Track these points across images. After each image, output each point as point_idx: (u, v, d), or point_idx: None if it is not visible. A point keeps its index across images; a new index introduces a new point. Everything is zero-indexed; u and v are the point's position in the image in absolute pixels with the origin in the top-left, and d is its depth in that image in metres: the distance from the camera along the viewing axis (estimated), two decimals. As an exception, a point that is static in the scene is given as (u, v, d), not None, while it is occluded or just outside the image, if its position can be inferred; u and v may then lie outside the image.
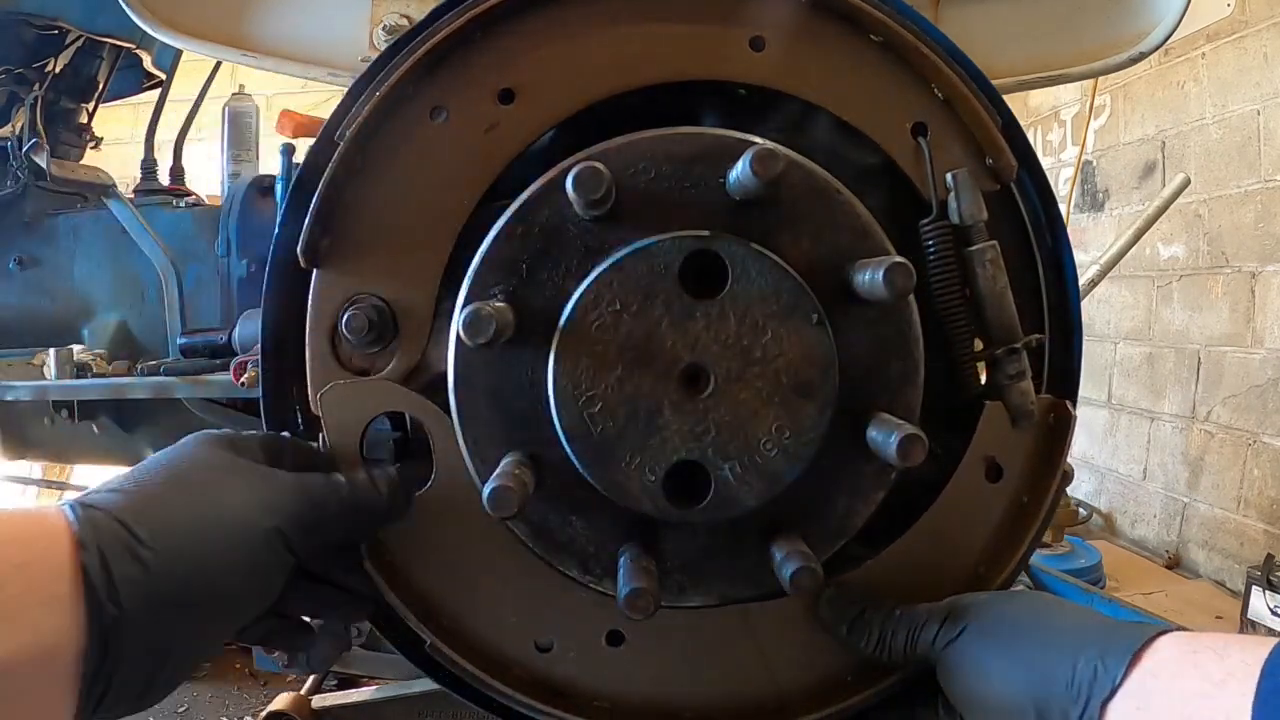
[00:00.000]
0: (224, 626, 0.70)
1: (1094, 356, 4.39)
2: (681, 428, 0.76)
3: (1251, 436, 3.50)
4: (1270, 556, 3.02)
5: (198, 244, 2.11)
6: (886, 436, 0.75)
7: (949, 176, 0.86)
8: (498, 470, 0.76)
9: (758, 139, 0.80)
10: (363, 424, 0.84)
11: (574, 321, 0.76)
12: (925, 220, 0.87)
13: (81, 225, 2.16)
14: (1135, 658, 0.64)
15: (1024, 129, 0.90)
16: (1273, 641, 0.59)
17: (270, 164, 2.20)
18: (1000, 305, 0.86)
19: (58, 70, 2.22)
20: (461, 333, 0.72)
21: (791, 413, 0.77)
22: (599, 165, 0.73)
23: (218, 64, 2.45)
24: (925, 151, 0.87)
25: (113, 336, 2.11)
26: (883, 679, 0.86)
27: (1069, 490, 0.94)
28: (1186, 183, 2.36)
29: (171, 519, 0.65)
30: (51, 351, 1.89)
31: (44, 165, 2.09)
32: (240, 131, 2.48)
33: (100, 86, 2.39)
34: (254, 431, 0.82)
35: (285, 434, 0.85)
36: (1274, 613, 2.88)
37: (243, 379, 1.44)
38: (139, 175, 2.45)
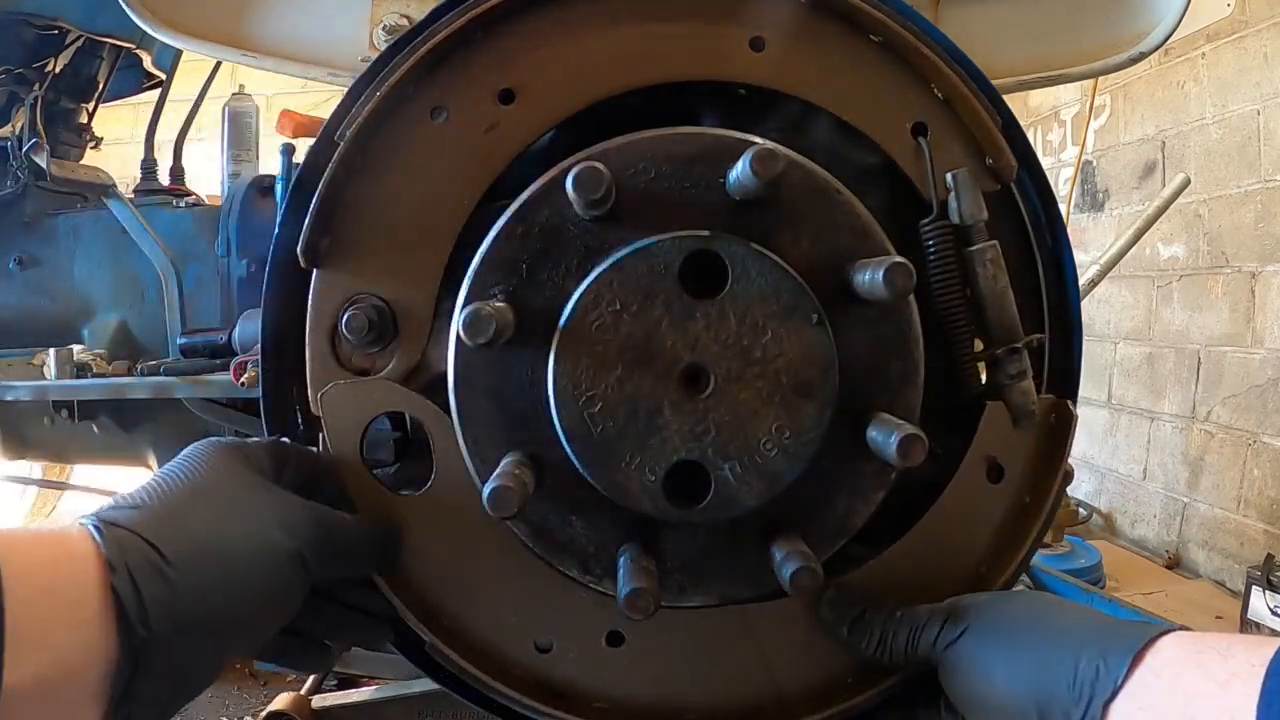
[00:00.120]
0: (244, 644, 0.70)
1: (1094, 356, 4.39)
2: (681, 428, 0.76)
3: (1251, 436, 3.49)
4: (1270, 556, 3.02)
5: (198, 244, 2.11)
6: (886, 436, 0.75)
7: (949, 176, 0.86)
8: (498, 470, 0.76)
9: (758, 139, 0.80)
10: (363, 424, 0.84)
11: (574, 321, 0.76)
12: (925, 220, 0.87)
13: (81, 225, 2.16)
14: (1138, 657, 0.64)
15: (1024, 129, 0.90)
16: (1277, 642, 0.59)
17: (270, 164, 2.20)
18: (1001, 305, 0.86)
19: (58, 70, 2.22)
20: (461, 333, 0.72)
21: (791, 413, 0.77)
22: (599, 165, 0.73)
23: (218, 64, 2.45)
24: (925, 151, 0.87)
25: (113, 336, 2.11)
26: (884, 680, 0.86)
27: (1069, 490, 0.94)
28: (1186, 183, 2.36)
29: (196, 538, 0.65)
30: (51, 351, 1.89)
31: (44, 165, 2.08)
32: (240, 131, 2.48)
33: (100, 86, 2.38)
34: (259, 439, 0.83)
35: (286, 439, 0.85)
36: (1274, 613, 2.88)
37: (243, 379, 1.44)
38: (139, 175, 2.44)
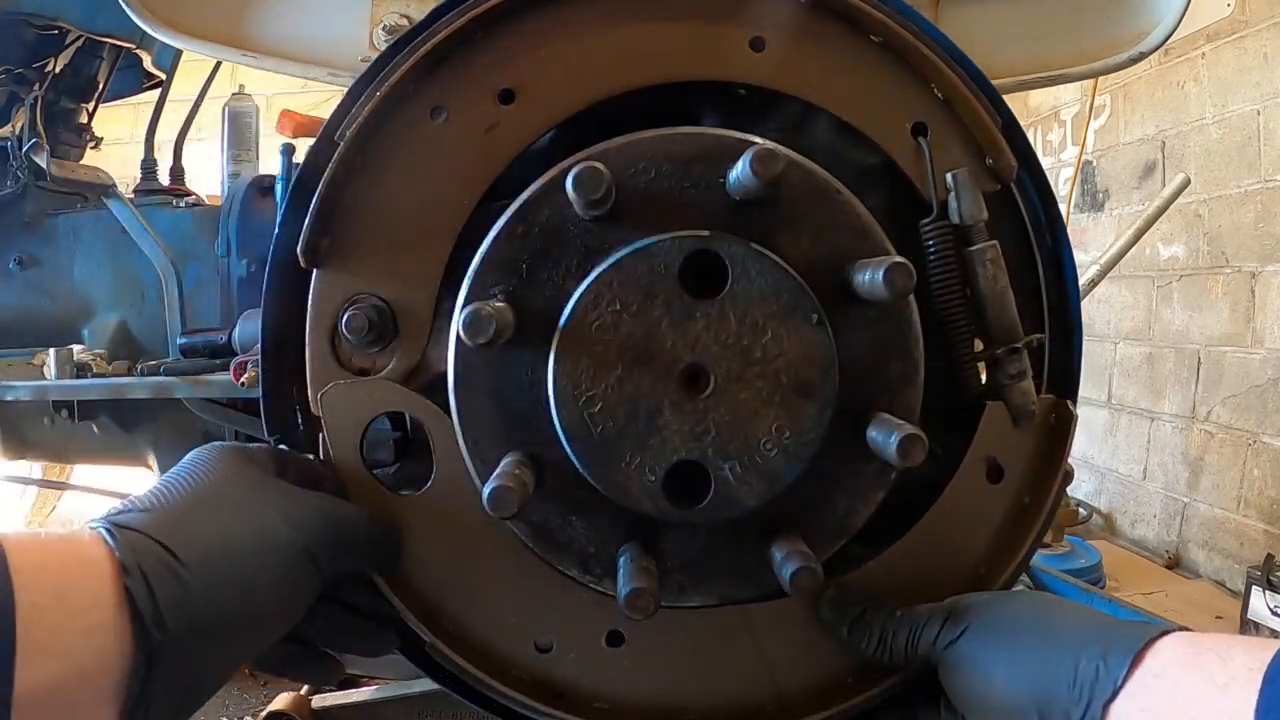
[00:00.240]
0: (258, 643, 0.70)
1: (1094, 356, 4.39)
2: (681, 428, 0.76)
3: (1251, 436, 3.49)
4: (1270, 556, 3.02)
5: (198, 244, 2.10)
6: (886, 436, 0.75)
7: (949, 177, 0.86)
8: (498, 470, 0.76)
9: (758, 139, 0.80)
10: (363, 424, 0.84)
11: (574, 321, 0.76)
12: (925, 220, 0.87)
13: (81, 225, 2.16)
14: (1137, 658, 0.64)
15: (1024, 129, 0.90)
16: (1276, 644, 0.59)
17: (270, 164, 2.19)
18: (1001, 305, 0.86)
19: (58, 70, 2.22)
20: (461, 333, 0.72)
21: (791, 413, 0.77)
22: (599, 165, 0.73)
23: (218, 64, 2.45)
24: (925, 152, 0.87)
25: (113, 336, 2.11)
26: (884, 680, 0.86)
27: (1069, 490, 0.94)
28: (1186, 183, 2.36)
29: (207, 539, 0.65)
30: (51, 351, 1.89)
31: (44, 165, 2.08)
32: (240, 131, 2.48)
33: (100, 86, 2.38)
34: (260, 444, 0.83)
35: (284, 447, 0.86)
36: (1274, 613, 2.88)
37: (243, 379, 1.44)
38: (139, 175, 2.44)
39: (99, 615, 0.57)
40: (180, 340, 1.84)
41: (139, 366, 1.89)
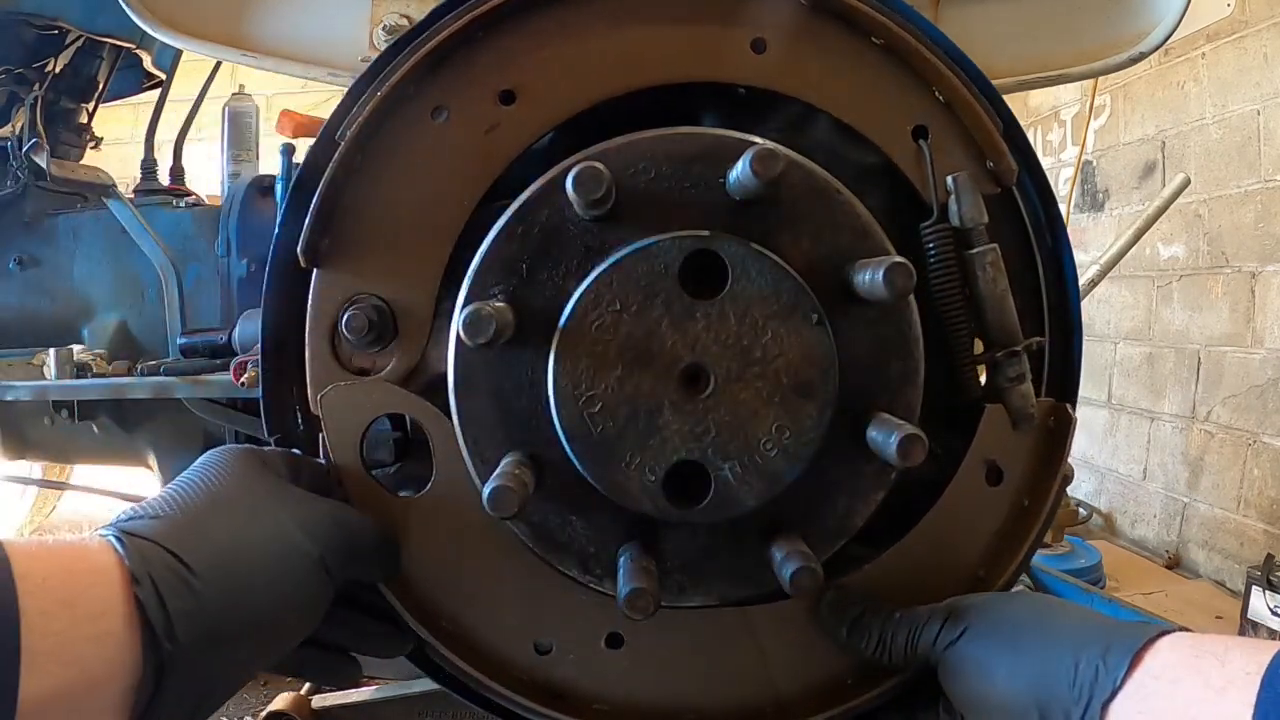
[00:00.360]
0: (271, 653, 0.70)
1: (1094, 356, 4.39)
2: (681, 428, 0.76)
3: (1251, 436, 3.49)
4: (1270, 556, 3.02)
5: (198, 244, 2.10)
6: (887, 436, 0.75)
7: (949, 179, 0.86)
8: (497, 470, 0.76)
9: (758, 139, 0.80)
10: (363, 426, 0.84)
11: (574, 321, 0.76)
12: (926, 223, 0.87)
13: (81, 225, 2.16)
14: (1136, 658, 0.64)
15: (1024, 129, 0.90)
16: (1274, 647, 0.59)
17: (270, 164, 2.19)
18: (1001, 308, 0.86)
19: (58, 70, 2.22)
20: (461, 333, 0.72)
21: (791, 413, 0.77)
22: (599, 165, 0.73)
23: (218, 64, 2.45)
24: (926, 154, 0.87)
25: (113, 336, 2.11)
26: (883, 681, 0.86)
27: (1069, 490, 0.94)
28: (1186, 183, 2.36)
29: (219, 547, 0.64)
30: (51, 351, 1.89)
31: (44, 165, 2.08)
32: (240, 131, 2.48)
33: (100, 86, 2.38)
34: (275, 448, 0.82)
35: (297, 451, 0.85)
36: (1274, 613, 2.88)
37: (243, 379, 1.44)
38: (139, 175, 2.44)
39: (108, 624, 0.56)
40: (180, 340, 1.84)
41: (139, 366, 1.89)
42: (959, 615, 0.77)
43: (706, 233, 0.77)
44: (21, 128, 2.15)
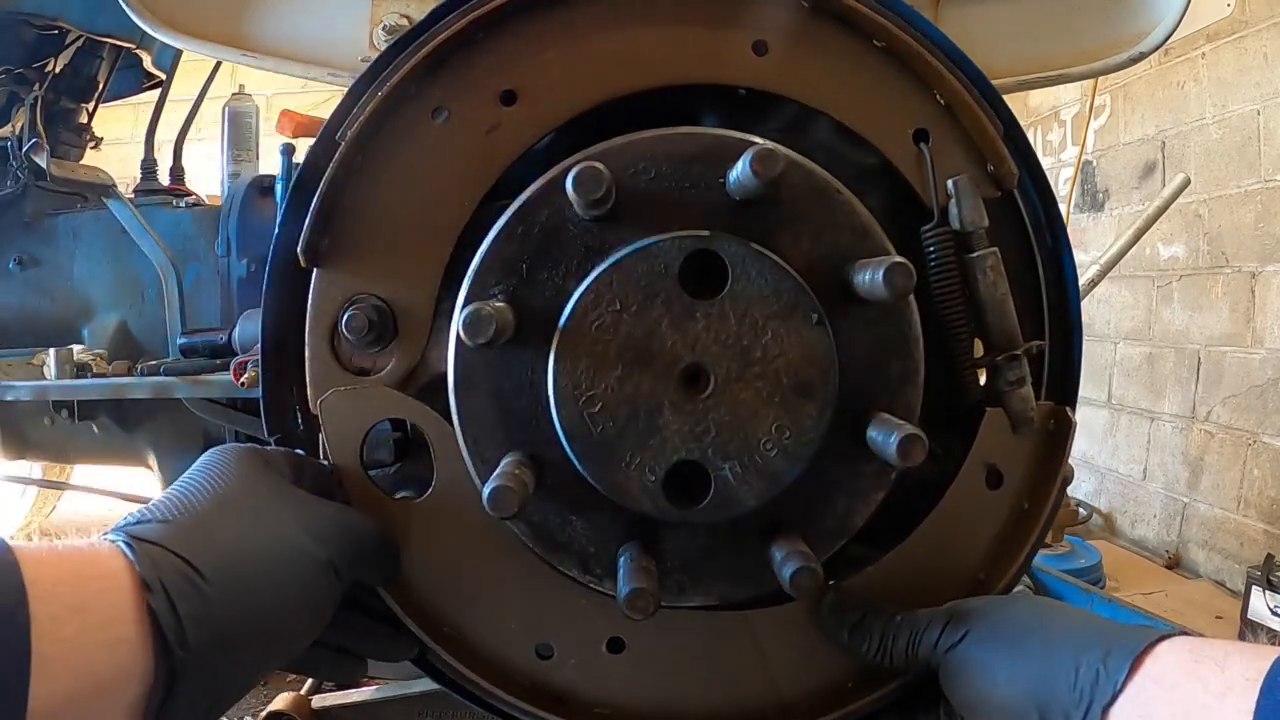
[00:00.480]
0: (281, 655, 0.70)
1: (1094, 356, 4.39)
2: (681, 428, 0.76)
3: (1251, 436, 3.49)
4: (1270, 556, 3.02)
5: (198, 244, 2.10)
6: (887, 436, 0.75)
7: (950, 183, 0.86)
8: (497, 470, 0.76)
9: (757, 139, 0.80)
10: (363, 430, 0.84)
11: (574, 321, 0.76)
12: (926, 226, 0.87)
13: (81, 225, 2.16)
14: (1137, 662, 0.64)
15: (1024, 129, 0.90)
16: (1273, 653, 0.59)
17: (270, 164, 2.19)
18: (1001, 312, 0.86)
19: (58, 70, 2.22)
20: (461, 333, 0.72)
21: (791, 413, 0.77)
22: (599, 165, 0.73)
23: (218, 64, 2.45)
24: (927, 158, 0.86)
25: (113, 336, 2.11)
26: (884, 684, 0.86)
27: (1069, 490, 0.94)
28: (1186, 183, 2.36)
29: (228, 550, 0.64)
30: (51, 351, 1.89)
31: (44, 165, 2.08)
32: (240, 131, 2.48)
33: (100, 86, 2.38)
34: (278, 449, 0.83)
35: (301, 452, 0.85)
36: (1274, 613, 2.88)
37: (243, 379, 1.44)
38: (139, 175, 2.44)
39: (119, 630, 0.56)
40: (180, 340, 1.84)
41: (139, 366, 1.89)
42: (960, 619, 0.77)
43: (706, 233, 0.77)
44: (21, 128, 2.15)
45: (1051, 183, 0.94)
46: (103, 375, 1.91)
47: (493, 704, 0.85)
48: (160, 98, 2.53)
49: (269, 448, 0.80)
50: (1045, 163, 3.45)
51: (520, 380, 0.80)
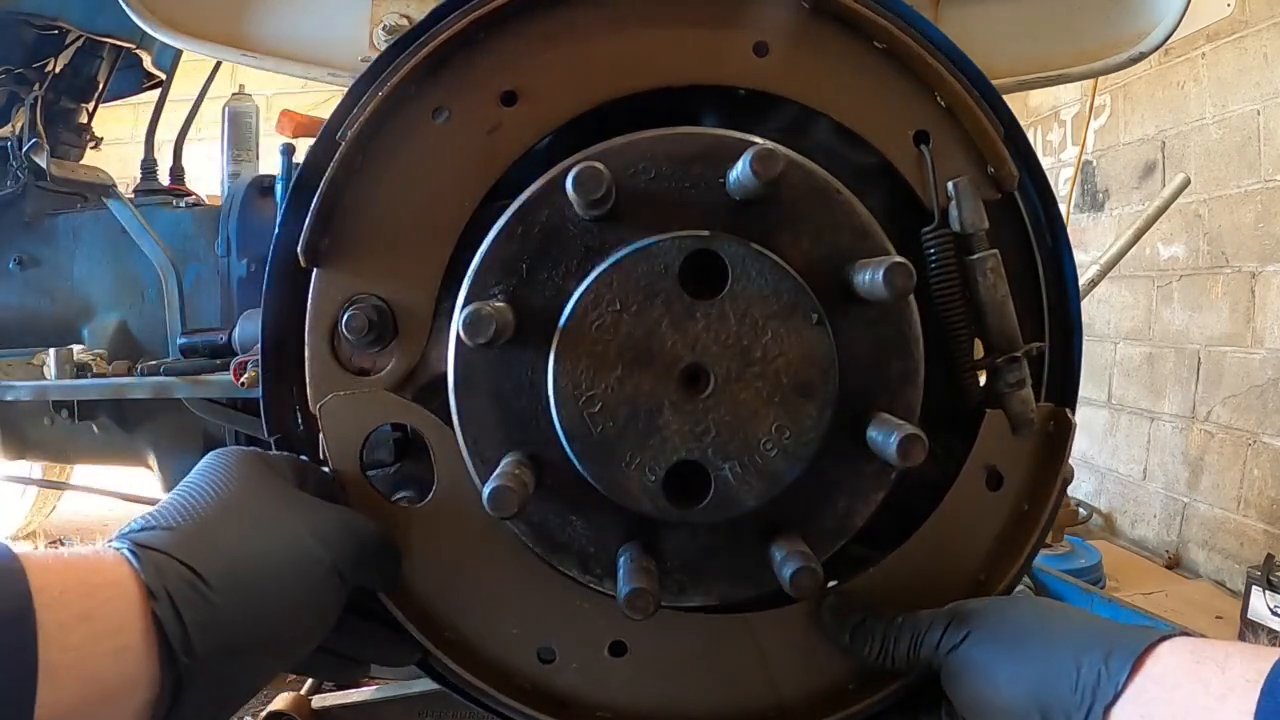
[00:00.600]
0: (285, 661, 0.70)
1: (1094, 356, 4.39)
2: (681, 428, 0.76)
3: (1251, 436, 3.49)
4: (1270, 556, 3.02)
5: (198, 244, 2.11)
6: (887, 436, 0.75)
7: (950, 185, 0.86)
8: (497, 470, 0.76)
9: (757, 139, 0.80)
10: (363, 434, 0.84)
11: (574, 321, 0.76)
12: (927, 228, 0.87)
13: (81, 225, 2.16)
14: (1138, 663, 0.64)
15: (1024, 129, 0.90)
16: (1274, 654, 0.60)
17: (270, 164, 2.19)
18: (1001, 314, 0.86)
19: (58, 70, 2.22)
20: (461, 333, 0.72)
21: (791, 413, 0.77)
22: (599, 165, 0.73)
23: (218, 64, 2.45)
24: (927, 160, 0.86)
25: (113, 336, 2.11)
26: (886, 685, 0.86)
27: (1069, 490, 0.94)
28: (1186, 183, 2.36)
29: (232, 556, 0.64)
30: (51, 351, 1.89)
31: (44, 165, 2.08)
32: (240, 131, 2.48)
33: (100, 86, 2.38)
34: (280, 453, 0.83)
35: (304, 458, 0.85)
36: (1274, 613, 2.88)
37: (243, 379, 1.44)
38: (139, 175, 2.44)
39: (125, 638, 0.56)
40: (180, 340, 1.84)
41: (139, 366, 1.89)
42: (961, 620, 0.77)
43: (706, 233, 0.77)
44: (21, 128, 2.15)
45: (1051, 183, 0.94)
46: (103, 375, 1.91)
47: (495, 708, 0.85)
48: (160, 98, 2.53)
49: (271, 452, 0.80)
50: (1045, 163, 3.45)
51: (520, 380, 0.80)
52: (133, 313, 2.13)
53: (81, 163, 2.33)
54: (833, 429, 0.78)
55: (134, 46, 2.26)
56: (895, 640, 0.80)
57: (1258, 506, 3.45)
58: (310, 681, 1.72)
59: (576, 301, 0.76)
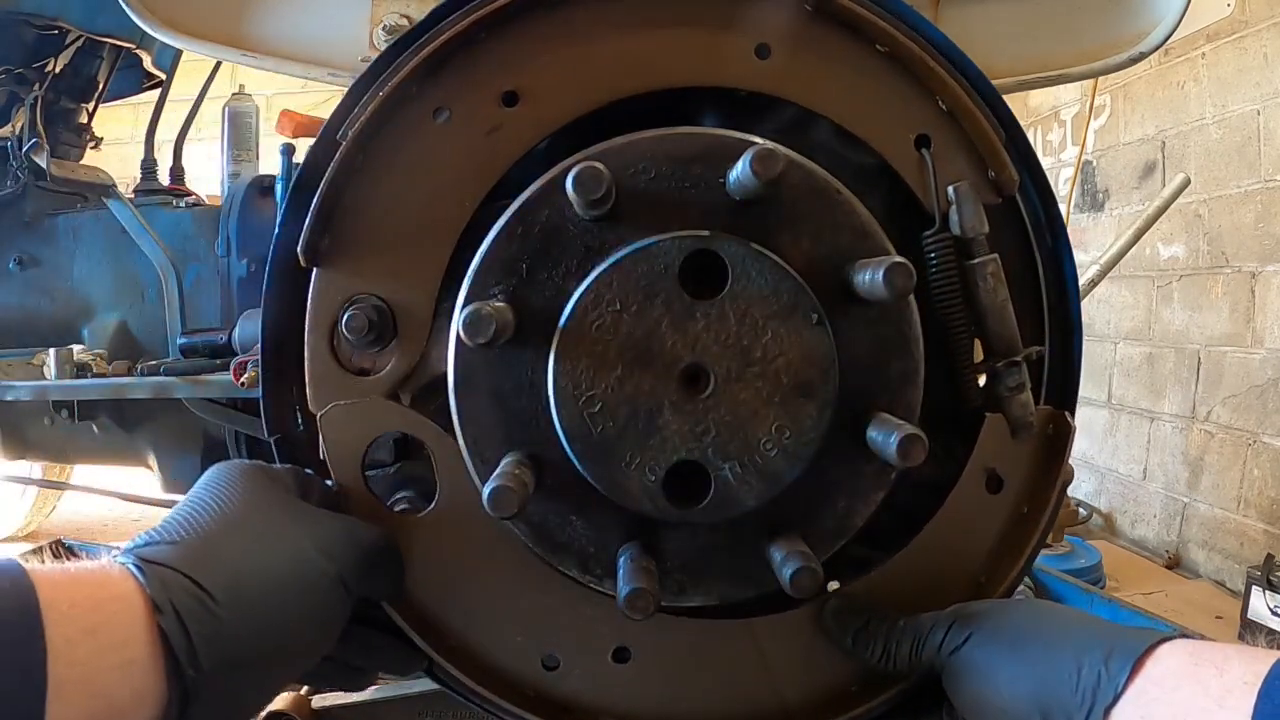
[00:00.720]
0: (292, 672, 0.70)
1: (1094, 356, 4.39)
2: (681, 428, 0.76)
3: (1251, 436, 3.49)
4: (1270, 556, 3.02)
5: (198, 244, 2.11)
6: (886, 436, 0.75)
7: (950, 189, 0.86)
8: (497, 470, 0.76)
9: (757, 139, 0.80)
10: (364, 444, 0.84)
11: (574, 321, 0.76)
12: (928, 232, 0.87)
13: (81, 225, 2.16)
14: (1138, 664, 0.65)
15: (1024, 129, 0.90)
16: (1272, 656, 0.60)
17: (270, 164, 2.19)
18: (1001, 318, 0.86)
19: (58, 70, 2.22)
20: (461, 333, 0.72)
21: (791, 413, 0.77)
22: (599, 165, 0.73)
23: (218, 64, 2.45)
24: (928, 164, 0.86)
25: (113, 336, 2.11)
26: (888, 688, 0.86)
27: (1068, 490, 0.94)
28: (1186, 183, 2.36)
29: (237, 569, 0.64)
30: (51, 351, 1.89)
31: (44, 165, 2.08)
32: (240, 131, 2.48)
33: (100, 86, 2.38)
34: (282, 466, 0.83)
35: (309, 471, 0.85)
36: (1274, 613, 2.88)
37: (243, 379, 1.44)
38: (139, 175, 2.44)
39: (132, 652, 0.56)
40: (180, 340, 1.84)
41: (139, 366, 1.89)
42: (963, 622, 0.78)
43: (706, 233, 0.77)
44: (21, 128, 2.15)
45: (1051, 183, 0.94)
46: (103, 375, 1.91)
47: (501, 715, 0.85)
48: (160, 98, 2.53)
49: (275, 466, 0.80)
50: (1045, 163, 3.45)
51: (520, 380, 0.80)
52: (133, 313, 2.13)
53: (81, 163, 2.33)
54: (833, 429, 0.78)
55: (134, 46, 2.26)
56: (898, 643, 0.80)
57: (1258, 506, 3.45)
58: (310, 681, 1.71)
59: (576, 301, 0.76)
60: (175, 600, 0.59)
